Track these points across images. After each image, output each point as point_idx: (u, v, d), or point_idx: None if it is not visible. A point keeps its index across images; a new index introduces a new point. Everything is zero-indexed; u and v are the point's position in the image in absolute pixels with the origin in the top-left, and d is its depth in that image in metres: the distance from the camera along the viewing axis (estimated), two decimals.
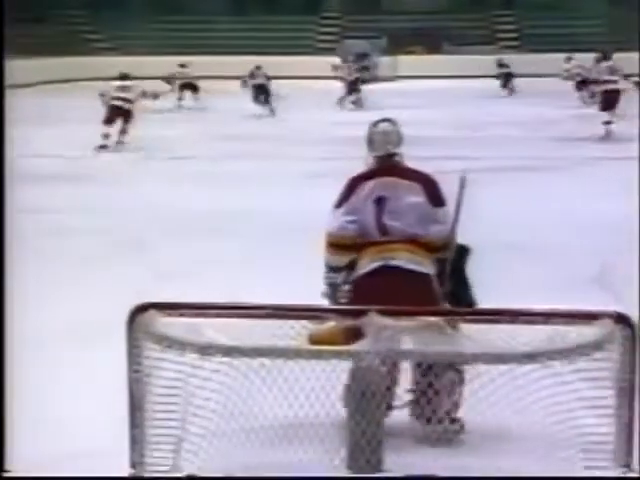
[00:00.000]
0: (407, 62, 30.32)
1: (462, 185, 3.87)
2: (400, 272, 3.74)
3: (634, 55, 21.73)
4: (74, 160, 12.86)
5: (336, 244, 3.87)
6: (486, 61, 29.02)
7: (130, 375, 2.90)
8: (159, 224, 8.34)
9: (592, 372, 2.76)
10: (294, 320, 2.95)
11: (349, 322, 2.89)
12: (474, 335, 2.77)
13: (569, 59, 21.84)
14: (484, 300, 3.73)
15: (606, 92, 14.59)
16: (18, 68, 27.39)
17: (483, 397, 2.83)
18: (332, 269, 3.95)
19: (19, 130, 15.92)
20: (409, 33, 33.08)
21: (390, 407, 3.46)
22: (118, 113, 14.12)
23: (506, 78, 25.04)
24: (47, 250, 7.31)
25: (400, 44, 32.15)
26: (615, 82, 14.57)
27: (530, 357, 2.62)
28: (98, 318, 5.22)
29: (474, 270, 4.01)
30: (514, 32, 34.71)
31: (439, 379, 3.05)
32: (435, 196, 3.92)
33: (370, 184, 3.92)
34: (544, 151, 13.30)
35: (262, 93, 20.72)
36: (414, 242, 3.82)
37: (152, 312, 2.87)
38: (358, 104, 21.31)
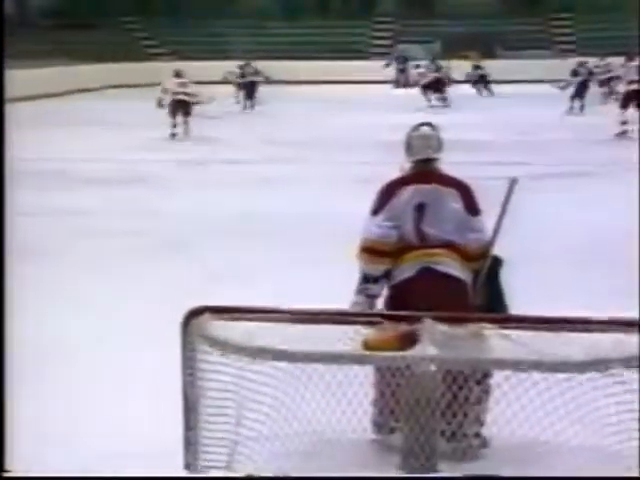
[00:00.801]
0: (461, 67, 30.14)
1: (511, 188, 3.80)
2: (441, 276, 3.71)
3: None
4: (127, 163, 12.99)
5: (375, 250, 3.77)
6: (540, 65, 28.73)
7: (184, 378, 2.92)
8: (203, 227, 8.37)
9: None
10: (347, 325, 2.95)
11: (403, 328, 2.87)
12: (523, 343, 2.73)
13: (581, 64, 21.29)
14: (530, 308, 3.67)
15: (627, 92, 14.98)
16: (79, 74, 28.05)
17: (539, 406, 2.80)
18: (369, 279, 3.82)
19: (72, 133, 16.31)
20: (463, 37, 32.86)
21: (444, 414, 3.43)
22: (180, 107, 15.30)
23: (481, 81, 25.92)
24: (96, 251, 7.44)
25: (454, 49, 31.95)
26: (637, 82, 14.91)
27: (591, 365, 2.58)
28: (144, 320, 5.27)
29: (518, 279, 3.93)
30: (571, 36, 34.26)
31: (471, 394, 3.00)
32: (471, 205, 3.86)
33: (410, 190, 3.84)
34: (592, 155, 13.15)
35: (251, 90, 20.95)
36: (452, 248, 3.77)
37: (206, 315, 2.89)
38: (445, 105, 20.98)
